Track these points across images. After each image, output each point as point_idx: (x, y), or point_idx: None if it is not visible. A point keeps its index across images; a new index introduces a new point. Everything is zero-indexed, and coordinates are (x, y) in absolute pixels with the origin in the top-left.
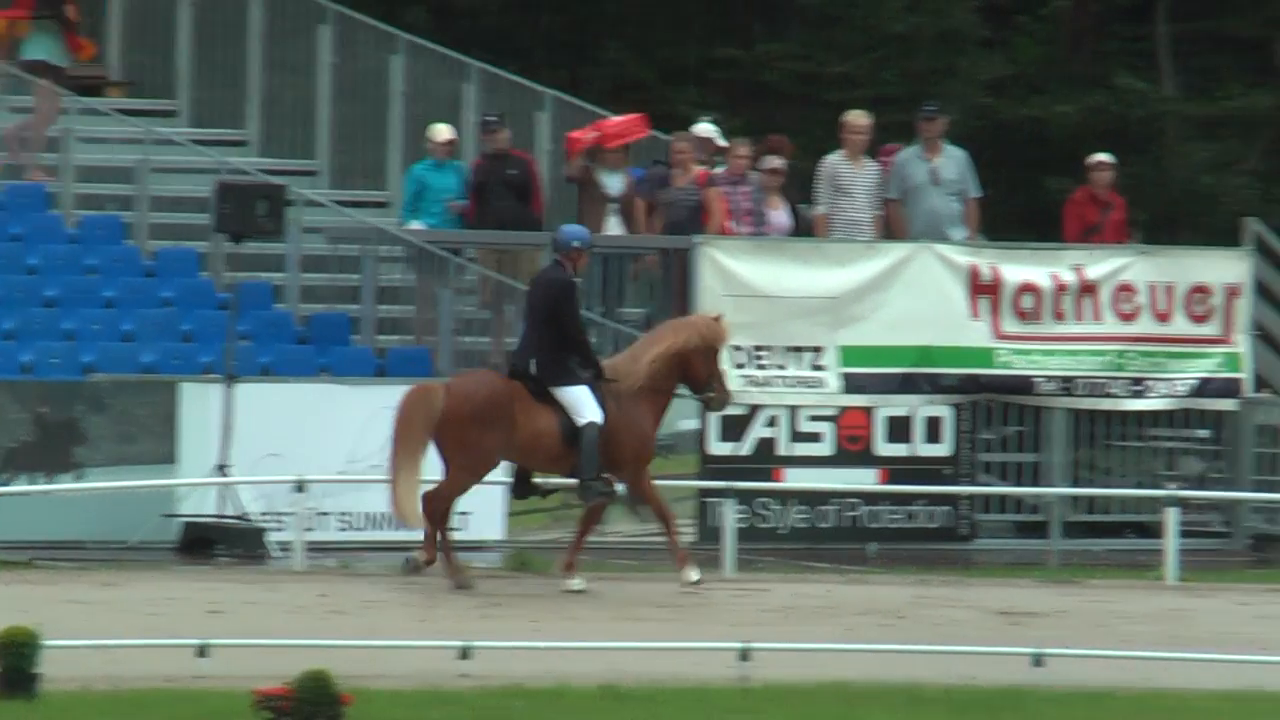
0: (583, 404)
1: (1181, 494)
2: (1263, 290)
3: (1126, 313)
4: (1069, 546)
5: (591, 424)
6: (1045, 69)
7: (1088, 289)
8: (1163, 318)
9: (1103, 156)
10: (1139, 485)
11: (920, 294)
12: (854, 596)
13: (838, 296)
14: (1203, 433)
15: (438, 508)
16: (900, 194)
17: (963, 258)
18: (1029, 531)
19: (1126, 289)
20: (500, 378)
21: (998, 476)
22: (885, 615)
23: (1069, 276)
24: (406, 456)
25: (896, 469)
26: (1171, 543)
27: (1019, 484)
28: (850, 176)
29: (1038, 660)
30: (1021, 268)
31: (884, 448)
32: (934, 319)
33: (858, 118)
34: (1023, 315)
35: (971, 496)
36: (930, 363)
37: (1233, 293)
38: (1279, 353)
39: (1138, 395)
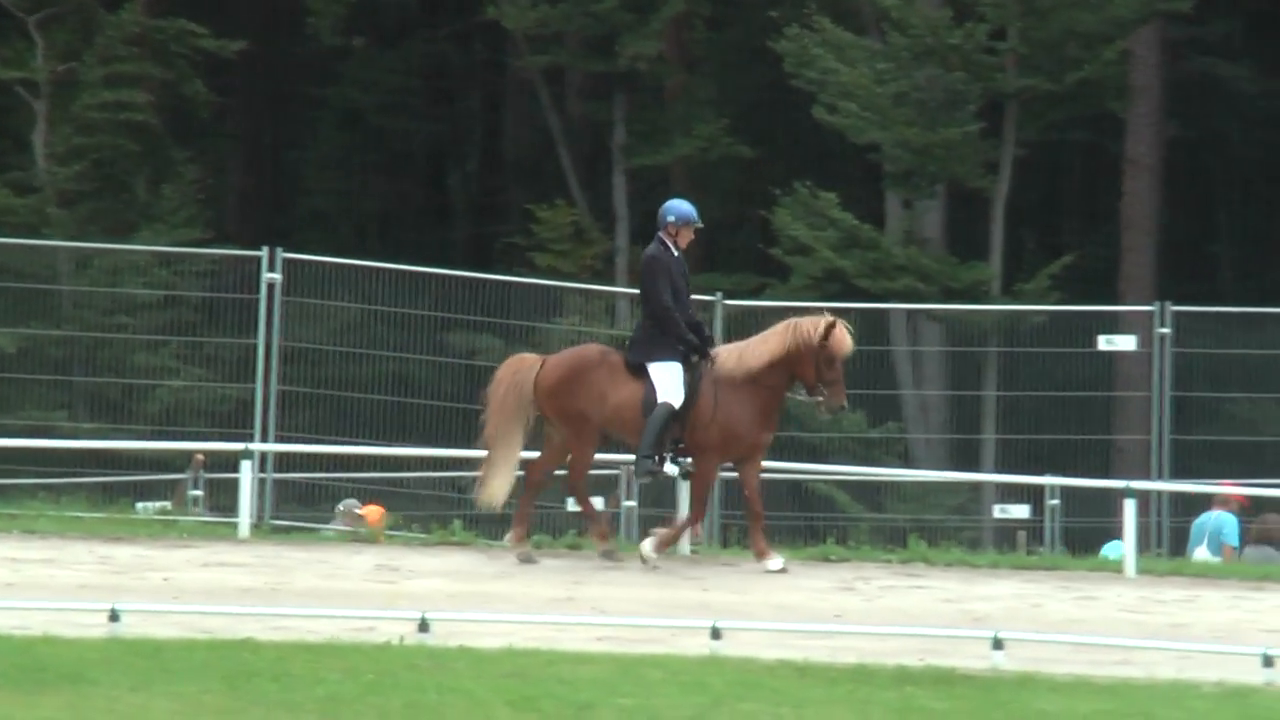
0: (664, 382)
1: None
2: None
3: None
4: None
5: (665, 404)
6: None
7: None
8: None
9: None
10: None
11: None
12: None
13: None
14: None
15: (578, 488)
16: None
17: None
18: None
19: None
20: (599, 349)
21: None
22: None
23: None
24: (501, 432)
25: None
26: None
27: None
28: None
29: None
30: None
31: None
32: None
33: None
34: None
35: None
36: None
37: None
38: None
39: None
